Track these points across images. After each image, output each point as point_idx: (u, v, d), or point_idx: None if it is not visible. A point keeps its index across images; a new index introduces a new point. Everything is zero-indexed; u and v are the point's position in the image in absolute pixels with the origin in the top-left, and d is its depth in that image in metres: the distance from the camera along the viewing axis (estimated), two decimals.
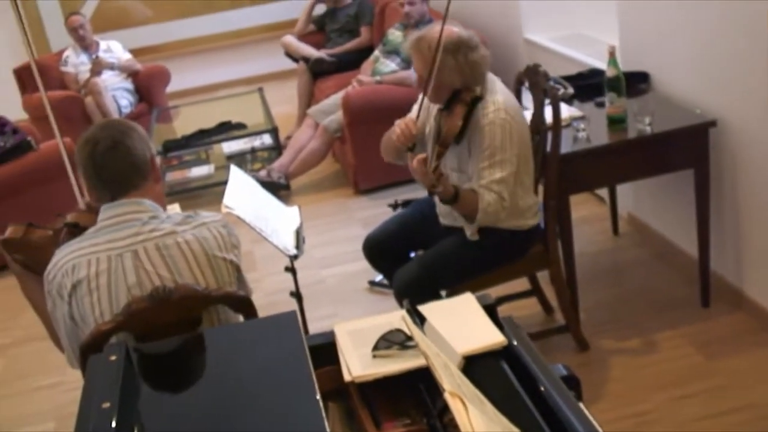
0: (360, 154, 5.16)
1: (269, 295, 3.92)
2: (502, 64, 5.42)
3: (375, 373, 1.59)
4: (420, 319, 1.62)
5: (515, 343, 1.54)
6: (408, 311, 1.59)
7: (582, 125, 3.35)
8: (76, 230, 2.39)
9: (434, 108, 3.04)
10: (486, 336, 1.53)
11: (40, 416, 3.59)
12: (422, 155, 2.85)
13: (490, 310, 1.64)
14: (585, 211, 4.40)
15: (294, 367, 1.58)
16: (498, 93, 2.92)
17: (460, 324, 1.56)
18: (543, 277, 3.61)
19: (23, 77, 6.74)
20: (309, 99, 6.38)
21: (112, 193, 2.16)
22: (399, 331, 1.67)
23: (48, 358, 3.94)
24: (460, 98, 2.90)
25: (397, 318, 1.71)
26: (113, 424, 1.43)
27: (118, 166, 2.15)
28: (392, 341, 1.65)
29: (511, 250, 3.12)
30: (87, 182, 2.20)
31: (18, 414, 3.64)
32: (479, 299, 1.68)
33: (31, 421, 3.57)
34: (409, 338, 1.60)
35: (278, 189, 5.13)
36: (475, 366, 1.49)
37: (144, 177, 2.20)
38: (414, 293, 2.73)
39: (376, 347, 1.66)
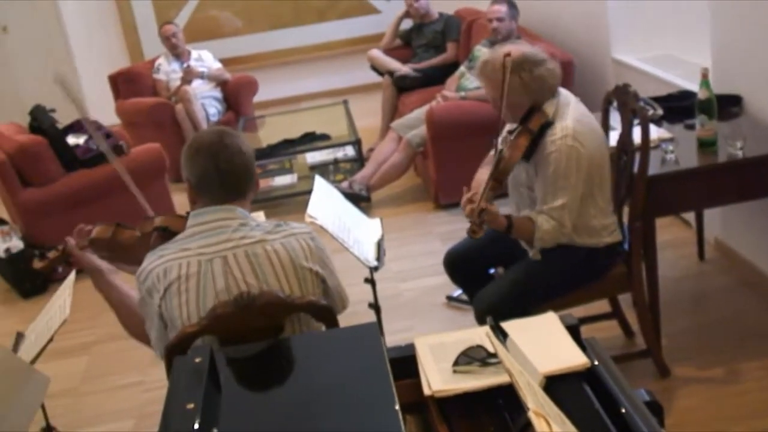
0: (441, 168, 5.17)
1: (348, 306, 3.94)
2: (589, 83, 5.38)
3: (455, 389, 1.58)
4: (502, 336, 1.61)
5: (598, 365, 1.52)
6: (491, 328, 1.58)
7: (670, 147, 3.30)
8: (166, 234, 2.46)
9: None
10: (569, 356, 1.52)
11: (120, 414, 3.68)
12: (470, 193, 2.86)
13: (573, 330, 1.62)
14: (670, 235, 4.31)
15: (374, 378, 1.59)
16: (568, 117, 2.88)
17: (543, 343, 1.55)
18: (624, 300, 3.55)
19: (117, 83, 6.94)
20: (393, 112, 6.41)
21: (225, 197, 2.22)
22: (480, 347, 1.67)
23: (130, 357, 4.05)
24: (527, 126, 2.88)
25: (478, 334, 1.70)
26: (196, 425, 1.46)
27: (239, 172, 2.23)
28: (473, 357, 1.65)
29: (590, 268, 3.08)
30: (201, 185, 2.24)
31: (100, 411, 3.73)
32: (562, 319, 1.67)
33: (112, 419, 3.66)
34: (491, 355, 1.60)
35: (359, 200, 5.16)
36: (557, 386, 1.48)
37: (252, 186, 2.30)
38: (495, 316, 2.72)
39: (456, 362, 1.65)
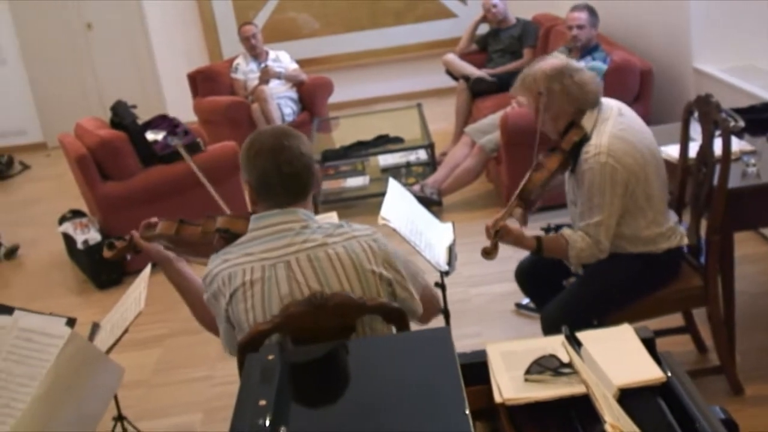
0: (515, 175, 5.11)
1: None
2: (669, 93, 5.28)
3: (527, 397, 1.57)
4: (576, 345, 1.59)
5: (674, 379, 1.49)
6: (566, 338, 1.56)
7: (752, 160, 3.22)
8: (228, 236, 2.48)
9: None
10: (644, 370, 1.49)
11: (189, 406, 3.74)
12: (497, 216, 2.91)
13: (649, 343, 1.60)
14: (748, 250, 4.20)
15: (445, 382, 1.59)
16: (604, 133, 2.85)
17: (618, 355, 1.53)
18: (698, 314, 3.47)
19: (196, 82, 7.07)
20: (467, 117, 6.39)
21: (287, 199, 2.21)
22: (553, 356, 1.65)
23: (200, 352, 4.13)
24: (560, 146, 2.90)
25: (551, 343, 1.69)
26: (268, 422, 1.48)
27: (301, 173, 2.21)
28: (546, 366, 1.63)
29: (652, 274, 3.03)
30: (262, 187, 2.23)
31: (169, 403, 3.81)
32: (637, 331, 1.64)
33: (181, 411, 3.73)
34: (564, 365, 1.58)
35: (430, 204, 5.15)
36: (631, 399, 1.46)
37: (313, 187, 2.26)
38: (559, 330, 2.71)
39: (528, 371, 1.64)
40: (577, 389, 1.50)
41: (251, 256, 2.17)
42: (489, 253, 2.89)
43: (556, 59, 3.03)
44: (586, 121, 2.90)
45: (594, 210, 2.86)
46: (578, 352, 1.55)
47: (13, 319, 2.31)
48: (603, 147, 2.81)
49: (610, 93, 3.21)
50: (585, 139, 2.87)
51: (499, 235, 2.86)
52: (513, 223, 2.94)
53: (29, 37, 8.35)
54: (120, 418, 3.30)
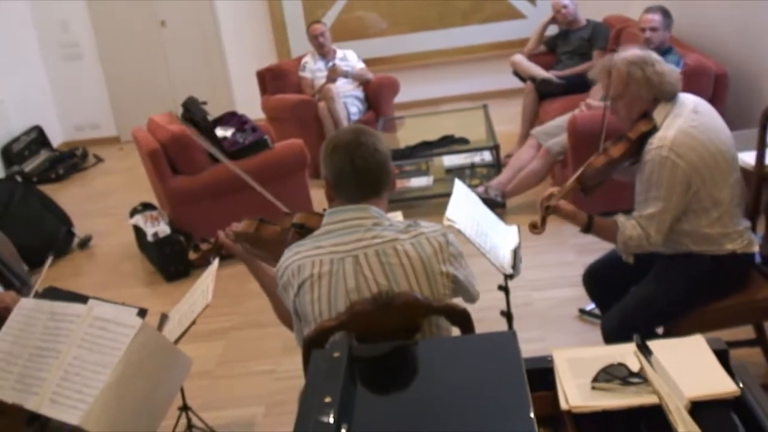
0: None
1: (477, 312, 3.86)
2: (745, 97, 5.17)
3: (594, 406, 1.55)
4: (647, 354, 1.57)
5: (747, 393, 1.46)
6: (638, 346, 1.55)
7: None
8: (302, 231, 2.52)
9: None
10: (717, 382, 1.47)
11: (252, 399, 3.79)
12: (555, 188, 2.96)
13: (722, 355, 1.57)
14: None
15: (509, 385, 1.58)
16: (672, 127, 2.83)
17: (690, 366, 1.51)
18: None
19: (265, 79, 7.14)
20: (533, 119, 6.35)
21: (360, 195, 2.25)
22: (622, 365, 1.63)
23: (264, 346, 4.18)
24: (627, 135, 2.91)
25: (619, 351, 1.67)
26: (332, 419, 1.49)
27: (375, 170, 2.25)
28: (614, 375, 1.61)
29: (717, 278, 2.97)
30: (337, 182, 2.28)
31: (232, 395, 3.86)
32: (710, 342, 1.61)
33: (244, 403, 3.77)
34: (633, 374, 1.56)
35: (494, 206, 5.11)
36: (703, 412, 1.43)
37: (387, 185, 2.30)
38: (621, 336, 2.68)
39: (596, 379, 1.62)
40: (647, 399, 1.48)
41: (321, 249, 2.21)
42: (536, 227, 2.96)
43: (638, 48, 3.03)
44: (659, 113, 2.90)
45: (649, 202, 2.85)
46: (650, 362, 1.53)
47: (88, 308, 2.37)
48: (667, 141, 2.81)
49: None
50: (654, 130, 2.88)
51: (549, 211, 2.90)
52: (567, 204, 2.99)
53: (105, 33, 8.55)
54: (185, 408, 3.36)
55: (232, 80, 8.60)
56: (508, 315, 3.21)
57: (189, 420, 3.40)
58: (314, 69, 7.02)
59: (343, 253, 2.19)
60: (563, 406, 1.59)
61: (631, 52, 2.98)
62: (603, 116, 3.02)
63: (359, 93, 7.00)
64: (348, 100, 6.82)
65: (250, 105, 7.32)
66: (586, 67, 6.28)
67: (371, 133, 2.30)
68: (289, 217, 2.69)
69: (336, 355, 1.71)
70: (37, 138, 8.18)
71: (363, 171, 2.23)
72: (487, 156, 6.16)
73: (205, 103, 5.62)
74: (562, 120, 5.43)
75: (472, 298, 2.35)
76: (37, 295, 3.08)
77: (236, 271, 4.41)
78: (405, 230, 2.23)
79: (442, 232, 2.26)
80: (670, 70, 2.94)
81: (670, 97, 2.92)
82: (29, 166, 7.80)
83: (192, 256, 2.84)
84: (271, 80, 7.11)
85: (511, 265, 3.09)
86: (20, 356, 2.43)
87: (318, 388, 1.60)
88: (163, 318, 3.26)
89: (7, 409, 2.56)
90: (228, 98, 8.45)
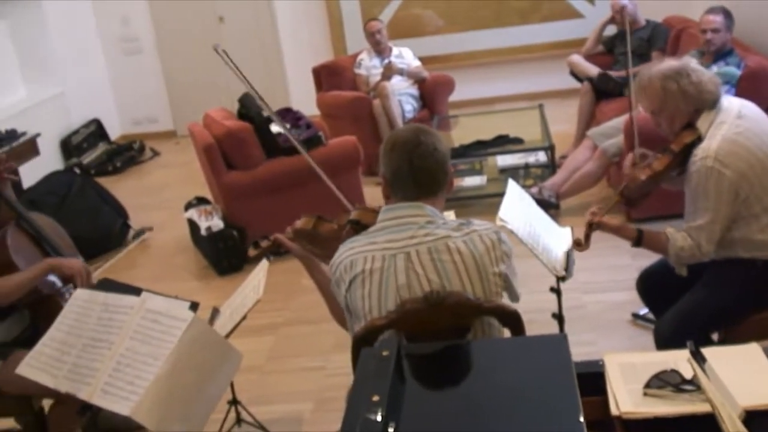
0: None
1: (528, 313, 3.82)
2: None
3: (645, 412, 1.53)
4: (702, 361, 1.54)
5: None
6: (692, 353, 1.52)
7: None
8: (358, 227, 2.54)
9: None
10: None
11: (301, 395, 3.80)
12: (595, 209, 2.99)
13: None
14: None
15: (559, 389, 1.57)
16: (717, 137, 2.79)
17: (745, 374, 1.47)
18: None
19: (320, 76, 7.18)
20: (589, 120, 6.27)
21: (417, 194, 2.26)
22: (675, 372, 1.60)
23: (314, 342, 4.20)
24: (669, 147, 2.89)
25: (672, 357, 1.64)
26: (380, 417, 1.49)
27: (433, 170, 2.26)
28: (666, 381, 1.58)
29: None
30: (395, 180, 2.29)
31: (281, 390, 3.88)
32: (766, 351, 1.57)
33: (293, 399, 3.79)
34: (686, 381, 1.53)
35: (548, 207, 5.08)
36: (757, 422, 1.40)
37: (445, 185, 2.31)
38: (673, 343, 2.64)
39: (648, 385, 1.60)
40: (700, 408, 1.45)
41: (374, 245, 2.22)
42: (580, 245, 2.95)
43: (674, 60, 2.98)
44: (702, 123, 2.87)
45: (698, 213, 2.82)
46: (704, 369, 1.50)
47: (141, 300, 2.40)
48: (711, 151, 2.78)
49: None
50: (698, 140, 2.84)
51: (593, 228, 2.88)
52: (612, 219, 3.00)
53: (165, 29, 8.67)
54: (234, 402, 3.39)
55: (288, 76, 8.65)
56: (559, 317, 3.18)
57: (238, 414, 3.43)
58: (370, 66, 7.03)
59: (395, 249, 2.20)
60: (614, 411, 1.57)
61: (665, 64, 2.94)
62: (631, 123, 2.99)
63: (414, 91, 6.99)
64: (403, 97, 6.82)
65: (306, 101, 7.36)
66: (644, 68, 6.20)
67: (431, 133, 2.31)
68: (345, 213, 2.70)
69: (385, 353, 1.71)
70: (96, 131, 8.33)
71: (420, 170, 2.24)
72: (541, 156, 6.11)
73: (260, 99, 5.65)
74: (619, 121, 5.35)
75: (515, 297, 2.35)
76: (92, 287, 3.14)
77: (288, 267, 4.44)
78: (457, 228, 2.23)
79: (494, 230, 2.26)
80: (708, 78, 2.89)
81: (712, 105, 2.87)
82: (87, 159, 7.95)
83: (251, 252, 2.87)
84: (327, 77, 7.14)
85: (564, 267, 3.06)
86: (74, 346, 2.47)
87: (366, 387, 1.60)
88: (215, 312, 3.30)
89: (62, 398, 2.62)
90: (283, 94, 8.51)
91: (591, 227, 2.93)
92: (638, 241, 2.95)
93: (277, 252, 2.82)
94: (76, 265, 3.14)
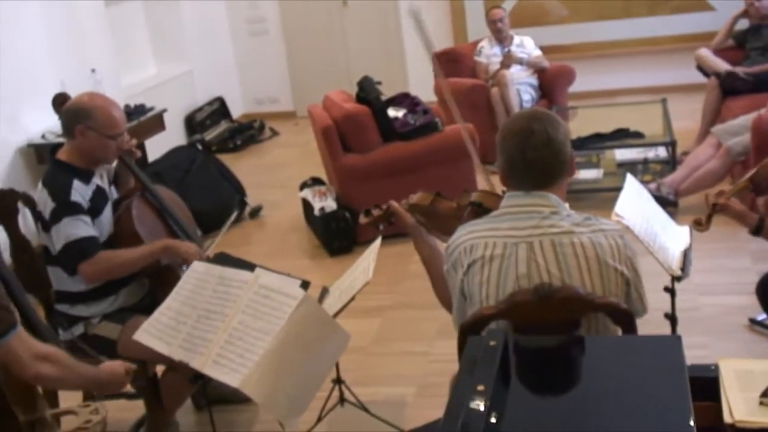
0: None
1: None
2: None
3: (761, 422, 1.48)
4: None
5: None
6: None
7: None
8: (479, 210, 2.52)
9: None
10: None
11: (404, 379, 3.82)
12: (722, 189, 2.85)
13: None
14: None
15: (670, 391, 1.53)
16: None
17: None
18: None
19: (440, 62, 7.14)
20: (714, 117, 6.06)
21: (532, 185, 2.20)
22: None
23: (419, 327, 4.21)
24: None
25: None
26: (483, 407, 1.49)
27: (547, 160, 2.18)
28: None
29: None
30: (509, 170, 2.24)
31: (385, 373, 3.91)
32: None
33: (396, 382, 3.82)
34: None
35: (666, 205, 4.91)
36: None
37: (563, 174, 2.24)
38: None
39: (765, 394, 1.54)
40: None
41: (497, 231, 2.19)
42: (701, 224, 2.84)
43: None
44: None
45: None
46: None
47: (255, 276, 2.46)
48: None
49: None
50: None
51: (717, 209, 2.76)
52: (737, 203, 2.86)
53: (290, 11, 8.82)
54: (338, 381, 3.44)
55: (408, 62, 8.67)
56: (672, 318, 3.09)
57: (341, 393, 3.48)
58: (490, 54, 6.98)
59: (518, 238, 2.16)
60: (727, 419, 1.52)
61: None
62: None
63: (533, 80, 6.90)
64: (521, 87, 6.75)
65: (424, 87, 7.36)
66: None
67: (545, 119, 2.21)
68: (466, 194, 2.68)
69: (492, 343, 1.70)
70: (219, 108, 8.56)
71: (534, 161, 2.17)
72: (662, 152, 5.94)
73: (379, 83, 5.69)
74: (746, 119, 5.15)
75: (638, 311, 2.22)
76: (208, 260, 3.23)
77: (397, 251, 4.48)
78: (583, 223, 2.18)
79: (620, 234, 2.20)
80: None
81: None
82: (209, 135, 8.18)
83: (363, 220, 2.88)
84: (446, 63, 7.11)
85: (680, 266, 2.97)
86: (189, 316, 2.55)
87: (471, 375, 1.60)
88: (324, 291, 3.35)
89: (174, 366, 2.71)
90: (402, 79, 8.53)
91: (715, 208, 2.81)
92: (758, 229, 2.82)
93: (388, 220, 2.81)
94: (191, 249, 3.23)
